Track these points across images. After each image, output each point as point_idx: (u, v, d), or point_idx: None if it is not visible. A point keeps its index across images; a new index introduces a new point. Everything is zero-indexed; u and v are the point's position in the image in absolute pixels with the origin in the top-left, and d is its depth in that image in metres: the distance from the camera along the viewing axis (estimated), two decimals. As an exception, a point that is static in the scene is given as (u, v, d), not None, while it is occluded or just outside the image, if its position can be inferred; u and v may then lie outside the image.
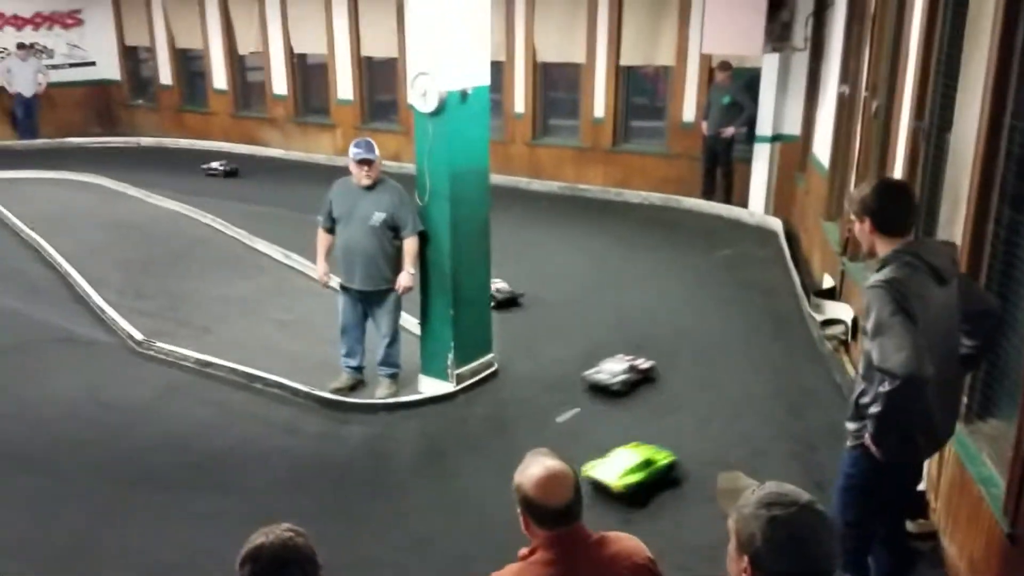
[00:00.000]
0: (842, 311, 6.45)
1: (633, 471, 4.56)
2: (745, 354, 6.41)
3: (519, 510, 2.24)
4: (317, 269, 5.88)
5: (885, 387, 2.90)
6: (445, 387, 5.75)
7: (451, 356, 5.71)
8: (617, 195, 11.11)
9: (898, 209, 3.14)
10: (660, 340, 6.56)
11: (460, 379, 5.78)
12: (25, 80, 14.20)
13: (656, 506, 4.52)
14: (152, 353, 6.43)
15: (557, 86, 12.10)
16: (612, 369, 5.84)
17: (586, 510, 2.26)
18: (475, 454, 5.15)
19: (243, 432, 5.46)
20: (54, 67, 14.97)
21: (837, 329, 6.37)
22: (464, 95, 5.37)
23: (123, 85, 15.85)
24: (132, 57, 15.78)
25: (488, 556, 2.50)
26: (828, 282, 7.19)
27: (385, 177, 5.57)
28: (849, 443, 3.24)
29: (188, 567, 4.14)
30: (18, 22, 14.74)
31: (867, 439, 3.08)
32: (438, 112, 5.31)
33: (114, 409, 5.70)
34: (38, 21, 14.97)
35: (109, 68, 15.75)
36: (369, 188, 5.47)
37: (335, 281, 5.83)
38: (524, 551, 2.27)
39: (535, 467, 2.23)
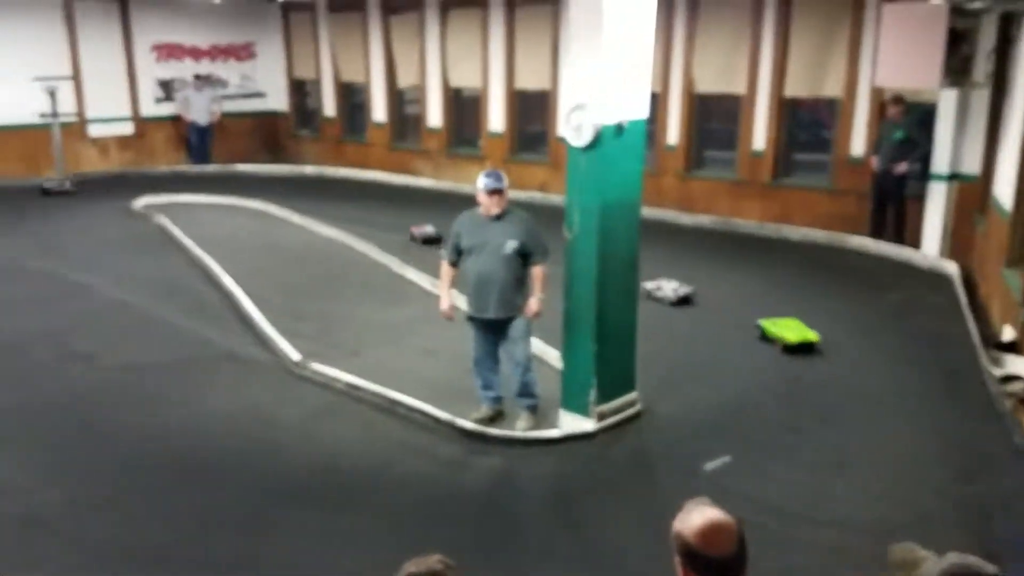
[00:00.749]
0: (1026, 367, 5.90)
1: (808, 330, 6.92)
2: (913, 410, 5.93)
3: (677, 560, 2.10)
4: (441, 303, 5.87)
5: None
6: (585, 424, 5.60)
7: (593, 393, 5.56)
8: (775, 231, 10.68)
9: None
10: (815, 391, 6.18)
11: (601, 417, 5.61)
12: (200, 109, 15.16)
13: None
14: (307, 374, 6.64)
15: (712, 117, 11.82)
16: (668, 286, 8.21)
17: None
18: (615, 499, 4.97)
19: (385, 455, 5.52)
20: (227, 97, 15.90)
21: (1018, 386, 5.86)
22: (620, 128, 5.24)
23: (290, 116, 16.69)
24: (299, 90, 16.64)
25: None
26: (1009, 334, 6.60)
27: (511, 207, 5.59)
28: None
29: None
30: (196, 54, 15.71)
31: None
32: (592, 146, 5.20)
33: (270, 426, 5.90)
34: (214, 53, 15.93)
35: (277, 99, 16.65)
36: (498, 218, 5.50)
37: (462, 301, 5.84)
38: None
39: (696, 515, 2.11)
